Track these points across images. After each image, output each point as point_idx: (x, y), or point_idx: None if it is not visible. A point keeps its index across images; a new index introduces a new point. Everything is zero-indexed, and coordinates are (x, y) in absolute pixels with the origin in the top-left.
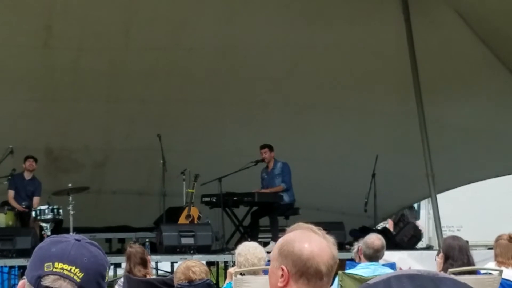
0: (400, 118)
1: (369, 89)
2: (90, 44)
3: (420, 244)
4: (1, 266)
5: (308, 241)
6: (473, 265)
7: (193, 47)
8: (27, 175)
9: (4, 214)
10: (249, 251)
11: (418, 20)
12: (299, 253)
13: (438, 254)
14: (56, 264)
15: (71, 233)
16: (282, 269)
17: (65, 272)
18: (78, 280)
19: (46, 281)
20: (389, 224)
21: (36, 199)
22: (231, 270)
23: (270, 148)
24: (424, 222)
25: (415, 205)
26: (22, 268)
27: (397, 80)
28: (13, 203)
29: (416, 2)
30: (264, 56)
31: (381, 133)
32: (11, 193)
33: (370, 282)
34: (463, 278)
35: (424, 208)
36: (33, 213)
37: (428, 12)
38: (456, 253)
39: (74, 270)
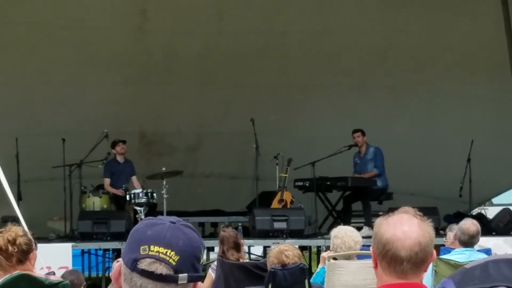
0: (496, 102)
1: (465, 72)
2: (184, 28)
3: None
4: (96, 249)
5: (396, 225)
6: None
7: (287, 30)
8: (120, 159)
9: (99, 198)
10: (346, 233)
11: None
12: (380, 236)
13: None
14: (152, 247)
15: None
16: (373, 251)
17: (161, 255)
18: (174, 263)
19: (142, 264)
20: None
21: (135, 178)
22: (324, 254)
23: (363, 133)
24: None
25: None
26: (116, 251)
27: (493, 63)
28: (110, 189)
29: None
30: (357, 40)
31: (477, 117)
32: (107, 181)
33: (467, 266)
34: None
35: None
36: (128, 197)
37: None
38: None
39: (169, 253)
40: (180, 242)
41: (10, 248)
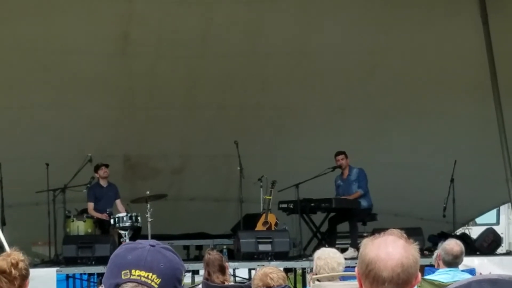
0: (478, 122)
1: (447, 92)
2: (167, 51)
3: (500, 250)
4: (81, 274)
5: (381, 246)
6: None
7: (270, 52)
8: (104, 183)
9: (83, 222)
10: (329, 255)
11: (497, 23)
12: (364, 256)
13: None
14: (133, 271)
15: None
16: (357, 271)
17: (143, 278)
18: (156, 286)
19: None
20: None
21: (119, 202)
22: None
23: (346, 155)
24: (504, 227)
25: (495, 210)
26: (101, 276)
27: (475, 83)
28: (94, 213)
29: (494, 4)
30: (341, 61)
31: (460, 138)
32: (91, 205)
33: (450, 287)
34: None
35: (504, 213)
36: (112, 221)
37: (507, 14)
38: None
39: (151, 277)
40: (161, 265)
41: (13, 271)
